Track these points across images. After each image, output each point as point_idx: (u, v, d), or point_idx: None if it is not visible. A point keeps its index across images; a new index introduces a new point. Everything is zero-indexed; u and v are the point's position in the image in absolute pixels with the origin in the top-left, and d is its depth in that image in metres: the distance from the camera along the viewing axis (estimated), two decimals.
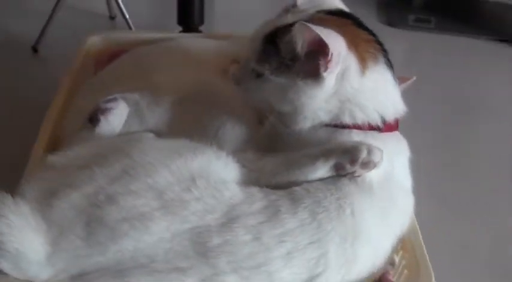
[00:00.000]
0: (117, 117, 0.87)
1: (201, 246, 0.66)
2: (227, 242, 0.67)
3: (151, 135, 0.87)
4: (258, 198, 0.71)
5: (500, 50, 1.81)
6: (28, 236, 0.66)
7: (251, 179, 0.75)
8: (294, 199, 0.72)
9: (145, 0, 1.90)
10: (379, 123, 0.78)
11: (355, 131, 0.77)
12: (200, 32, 1.41)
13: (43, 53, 1.63)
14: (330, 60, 0.71)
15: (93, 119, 0.87)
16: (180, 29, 1.44)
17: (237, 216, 0.69)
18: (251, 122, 0.85)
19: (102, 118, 0.86)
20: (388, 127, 0.79)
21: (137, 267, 0.66)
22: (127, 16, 1.57)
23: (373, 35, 0.79)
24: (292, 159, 0.76)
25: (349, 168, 0.73)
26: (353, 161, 0.73)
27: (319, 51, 0.71)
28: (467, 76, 1.62)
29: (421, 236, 0.82)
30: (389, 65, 0.79)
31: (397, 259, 0.79)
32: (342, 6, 0.83)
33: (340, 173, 0.74)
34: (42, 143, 0.91)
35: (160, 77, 0.94)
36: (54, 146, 0.91)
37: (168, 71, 0.96)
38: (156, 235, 0.66)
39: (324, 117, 0.77)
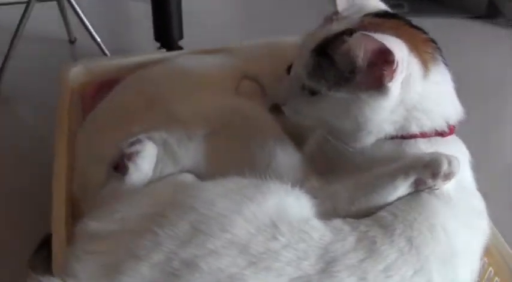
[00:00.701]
0: (146, 161, 0.76)
1: None
2: None
3: (190, 176, 0.77)
4: (347, 232, 0.63)
5: (475, 26, 1.80)
6: None
7: (327, 210, 0.67)
8: (385, 226, 0.64)
9: (106, 22, 1.74)
10: (445, 128, 0.72)
11: (420, 139, 0.71)
12: (180, 47, 1.30)
13: (5, 92, 1.47)
14: (395, 69, 0.64)
15: (119, 167, 0.76)
16: (160, 46, 1.33)
17: (334, 258, 0.60)
18: (294, 145, 0.78)
19: (130, 164, 0.75)
20: (450, 131, 0.73)
21: None
22: (98, 40, 1.42)
23: (426, 33, 0.72)
24: (366, 181, 0.69)
25: (430, 182, 0.67)
26: (435, 174, 0.66)
27: (382, 60, 0.64)
28: (446, 55, 1.58)
29: (502, 238, 0.76)
30: (446, 64, 0.73)
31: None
32: (383, 5, 0.76)
33: (419, 189, 0.68)
34: (60, 206, 0.79)
35: (179, 107, 0.84)
36: (74, 205, 0.79)
37: (185, 98, 0.86)
38: None
39: (389, 129, 0.70)
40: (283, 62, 0.94)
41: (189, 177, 0.77)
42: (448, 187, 0.68)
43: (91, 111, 0.96)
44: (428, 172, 0.66)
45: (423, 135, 0.71)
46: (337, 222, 0.65)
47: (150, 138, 0.78)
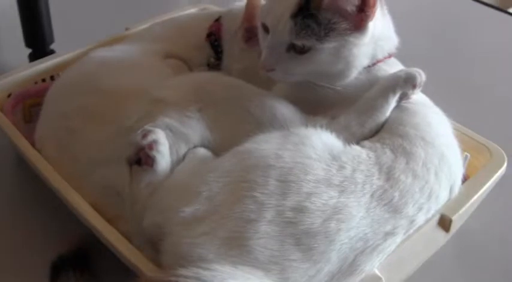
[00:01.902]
0: (165, 147, 0.79)
1: (389, 206, 0.69)
2: (403, 191, 0.71)
3: (202, 150, 0.81)
4: (380, 147, 0.75)
5: None
6: None
7: (347, 138, 0.77)
8: (402, 135, 0.77)
9: None
10: (394, 50, 0.87)
11: (380, 64, 0.86)
12: (53, 51, 1.25)
13: None
14: (375, 9, 0.77)
15: (143, 160, 0.77)
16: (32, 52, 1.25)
17: (389, 168, 0.72)
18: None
19: (155, 153, 0.77)
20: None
21: (359, 254, 0.66)
22: None
23: None
24: (365, 106, 0.81)
25: (410, 93, 0.83)
26: (414, 86, 0.82)
27: (366, 3, 0.76)
28: None
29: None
30: None
31: None
32: None
33: (401, 101, 0.83)
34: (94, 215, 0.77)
35: (158, 91, 0.86)
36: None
37: (160, 83, 0.88)
38: (357, 217, 0.67)
39: (366, 60, 0.83)
40: (192, 33, 1.02)
41: (203, 151, 0.81)
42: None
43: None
44: (409, 85, 0.81)
45: (382, 59, 0.86)
46: (367, 143, 0.77)
47: (155, 126, 0.80)
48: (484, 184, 0.80)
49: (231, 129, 0.81)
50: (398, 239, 0.69)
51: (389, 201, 0.70)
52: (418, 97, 0.84)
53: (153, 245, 0.71)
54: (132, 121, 0.81)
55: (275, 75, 0.81)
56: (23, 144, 0.88)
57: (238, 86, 0.87)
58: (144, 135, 0.77)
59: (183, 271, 0.61)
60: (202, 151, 0.80)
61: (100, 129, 0.84)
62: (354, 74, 0.82)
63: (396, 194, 0.70)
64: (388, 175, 0.72)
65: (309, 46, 0.77)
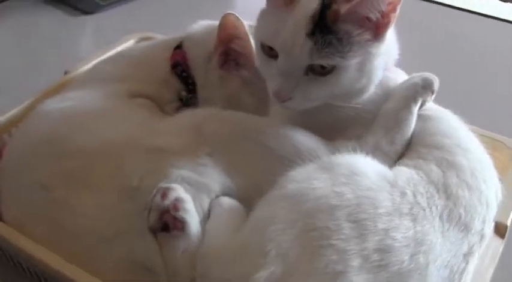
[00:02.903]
0: (191, 204, 0.67)
1: (460, 225, 0.64)
2: (466, 206, 0.66)
3: (227, 199, 0.71)
4: (424, 163, 0.70)
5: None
6: None
7: (383, 161, 0.71)
8: (438, 147, 0.72)
9: None
10: (397, 56, 0.82)
11: (387, 72, 0.80)
12: None
13: None
14: (395, 15, 0.71)
15: (172, 224, 0.65)
16: None
17: (444, 185, 0.67)
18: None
19: (183, 214, 0.65)
20: None
21: None
22: None
23: None
24: (389, 121, 0.75)
25: (429, 100, 0.78)
26: (432, 92, 0.77)
27: (391, 8, 0.69)
28: None
29: None
30: None
31: None
32: None
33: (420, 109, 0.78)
34: None
35: (157, 140, 0.73)
36: None
37: (149, 129, 0.76)
38: (437, 244, 0.62)
39: (381, 72, 0.77)
40: (152, 67, 0.90)
41: (227, 201, 0.71)
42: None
43: None
44: (428, 91, 0.77)
45: (389, 68, 0.80)
46: (408, 162, 0.71)
47: (170, 181, 0.68)
48: None
49: (252, 169, 0.72)
50: (476, 258, 0.64)
51: (458, 220, 0.64)
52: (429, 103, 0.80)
53: None
54: (136, 180, 0.69)
55: (292, 104, 0.72)
56: None
57: (242, 118, 0.77)
58: (163, 195, 0.65)
59: None
60: (227, 201, 0.70)
61: (97, 196, 0.70)
62: (373, 87, 0.75)
63: (461, 211, 0.65)
64: (447, 193, 0.66)
65: (332, 65, 0.69)
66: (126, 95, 0.87)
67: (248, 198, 0.69)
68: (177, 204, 0.64)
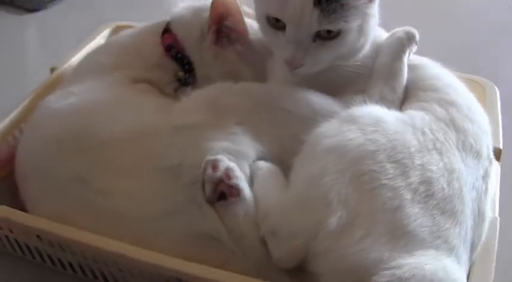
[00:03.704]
0: (239, 171, 0.72)
1: (473, 152, 0.73)
2: (474, 137, 0.75)
3: (263, 163, 0.77)
4: (427, 106, 0.78)
5: None
6: None
7: (391, 108, 0.79)
8: (433, 90, 0.81)
9: None
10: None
11: None
12: None
13: None
14: None
15: (229, 192, 0.70)
16: None
17: (450, 120, 0.75)
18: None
19: (236, 181, 0.70)
20: None
21: (479, 202, 0.70)
22: None
23: None
24: (387, 73, 0.83)
25: (414, 50, 0.87)
26: (416, 43, 0.86)
27: None
28: None
29: None
30: None
31: None
32: None
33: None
34: None
35: (183, 118, 0.78)
36: None
37: (169, 110, 0.81)
38: (463, 171, 0.70)
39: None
40: (146, 52, 0.94)
41: (264, 164, 0.76)
42: None
43: None
44: (412, 43, 0.85)
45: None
46: (414, 105, 0.79)
47: (213, 153, 0.73)
48: (497, 110, 0.88)
49: (276, 133, 0.78)
50: (492, 179, 0.74)
51: (470, 148, 0.73)
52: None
53: (288, 273, 0.66)
54: (177, 158, 0.73)
55: (304, 69, 0.79)
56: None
57: (255, 88, 0.83)
58: (214, 167, 0.70)
59: (378, 278, 0.58)
60: (264, 164, 0.76)
61: (139, 180, 0.74)
62: (369, 45, 0.83)
63: (471, 140, 0.74)
64: (455, 127, 0.75)
65: (338, 29, 0.76)
66: (128, 82, 0.90)
67: (279, 159, 0.76)
68: (228, 173, 0.70)
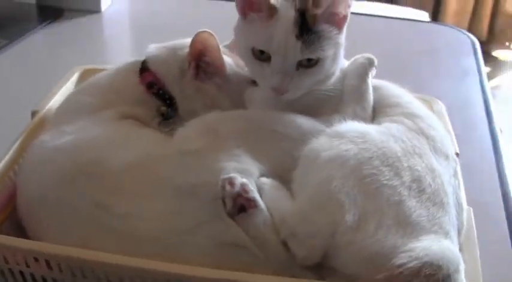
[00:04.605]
0: (252, 185, 0.81)
1: (442, 154, 0.85)
2: (440, 141, 0.87)
3: (265, 179, 0.85)
4: (396, 119, 0.89)
5: None
6: None
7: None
8: (396, 106, 0.94)
9: None
10: None
11: None
12: None
13: None
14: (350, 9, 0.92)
15: (247, 205, 0.78)
16: None
17: (418, 129, 0.86)
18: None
19: (253, 194, 0.79)
20: None
21: (457, 195, 0.83)
22: None
23: None
24: (356, 95, 0.94)
25: (373, 74, 1.00)
26: (375, 66, 0.99)
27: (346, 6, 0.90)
28: None
29: None
30: None
31: None
32: None
33: None
34: None
35: (187, 144, 0.86)
36: None
37: (167, 139, 0.89)
38: (440, 169, 0.82)
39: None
40: (127, 91, 1.01)
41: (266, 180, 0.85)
42: None
43: None
44: (372, 67, 0.98)
45: None
46: (383, 119, 0.91)
47: (226, 172, 0.80)
48: (446, 119, 1.04)
49: (272, 152, 0.87)
50: (459, 177, 0.87)
51: (440, 151, 0.86)
52: None
53: (310, 269, 0.75)
54: (190, 179, 0.80)
55: (289, 95, 0.89)
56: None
57: (248, 114, 0.93)
58: (231, 183, 0.78)
59: (397, 260, 0.68)
60: (267, 180, 0.84)
61: (157, 201, 0.80)
62: (338, 71, 0.95)
63: (439, 144, 0.87)
64: (424, 134, 0.87)
65: (317, 58, 0.88)
66: (118, 118, 0.96)
67: (276, 175, 0.85)
68: (244, 187, 0.77)
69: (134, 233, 0.78)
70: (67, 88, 1.11)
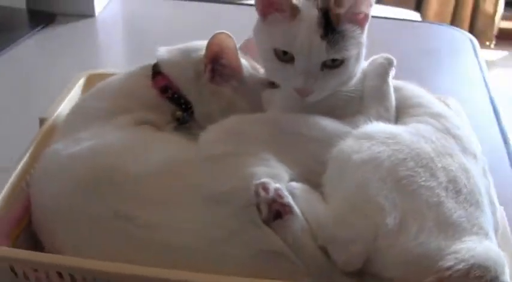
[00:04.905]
0: (285, 190, 0.78)
1: (470, 154, 0.84)
2: (468, 141, 0.86)
3: (295, 184, 0.82)
4: (421, 119, 0.87)
5: None
6: None
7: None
8: (419, 106, 0.93)
9: None
10: None
11: None
12: None
13: None
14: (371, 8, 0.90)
15: (283, 211, 0.75)
16: None
17: (445, 129, 0.84)
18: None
19: (288, 200, 0.76)
20: None
21: (489, 196, 0.81)
22: None
23: None
24: (378, 95, 0.92)
25: (393, 74, 0.98)
26: (394, 66, 0.97)
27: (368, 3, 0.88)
28: None
29: None
30: None
31: None
32: None
33: None
34: None
35: (212, 149, 0.83)
36: None
37: (190, 144, 0.86)
38: (473, 169, 0.81)
39: None
40: (140, 96, 0.98)
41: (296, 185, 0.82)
42: None
43: None
44: (392, 67, 0.97)
45: None
46: (408, 120, 0.89)
47: (259, 178, 0.78)
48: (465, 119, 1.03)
49: (299, 156, 0.84)
50: (488, 175, 0.86)
51: (468, 151, 0.85)
52: None
53: (349, 275, 0.73)
54: (221, 186, 0.77)
55: (313, 96, 0.87)
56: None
57: (271, 117, 0.91)
58: (265, 189, 0.75)
59: (444, 263, 0.66)
60: (297, 185, 0.81)
61: (186, 211, 0.77)
62: (360, 71, 0.93)
63: (467, 145, 0.85)
64: (451, 134, 0.86)
65: (342, 58, 0.86)
66: (134, 124, 0.92)
67: (304, 179, 0.82)
68: (279, 193, 0.75)
69: (163, 244, 0.75)
70: (74, 94, 1.06)
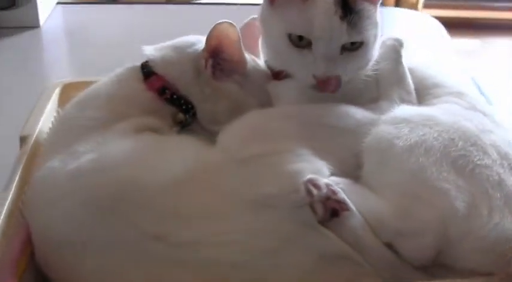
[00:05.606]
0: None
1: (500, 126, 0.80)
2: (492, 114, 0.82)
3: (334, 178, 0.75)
4: (443, 99, 0.84)
5: None
6: None
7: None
8: (437, 86, 0.88)
9: None
10: None
11: None
12: None
13: None
14: None
15: (339, 207, 0.68)
16: None
17: (470, 106, 0.81)
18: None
19: (342, 195, 0.69)
20: None
21: None
22: None
23: None
24: (396, 78, 0.87)
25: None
26: (403, 46, 0.93)
27: None
28: None
29: None
30: None
31: None
32: None
33: None
34: None
35: (242, 151, 0.74)
36: None
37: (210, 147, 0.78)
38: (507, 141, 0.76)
39: None
40: (134, 101, 0.87)
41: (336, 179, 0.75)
42: None
43: None
44: (402, 46, 0.92)
45: None
46: (433, 101, 0.85)
47: (302, 175, 0.70)
48: None
49: (331, 148, 0.77)
50: None
51: (499, 124, 0.81)
52: None
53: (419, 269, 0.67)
54: (266, 189, 0.69)
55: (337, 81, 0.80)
56: None
57: (292, 110, 0.83)
58: (316, 186, 0.67)
59: None
60: (339, 178, 0.74)
61: (227, 221, 0.68)
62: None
63: (496, 118, 0.82)
64: (480, 111, 0.81)
65: (362, 40, 0.80)
66: (134, 132, 0.82)
67: (341, 172, 0.75)
68: (331, 188, 0.67)
69: (205, 262, 0.65)
70: (52, 106, 0.93)
